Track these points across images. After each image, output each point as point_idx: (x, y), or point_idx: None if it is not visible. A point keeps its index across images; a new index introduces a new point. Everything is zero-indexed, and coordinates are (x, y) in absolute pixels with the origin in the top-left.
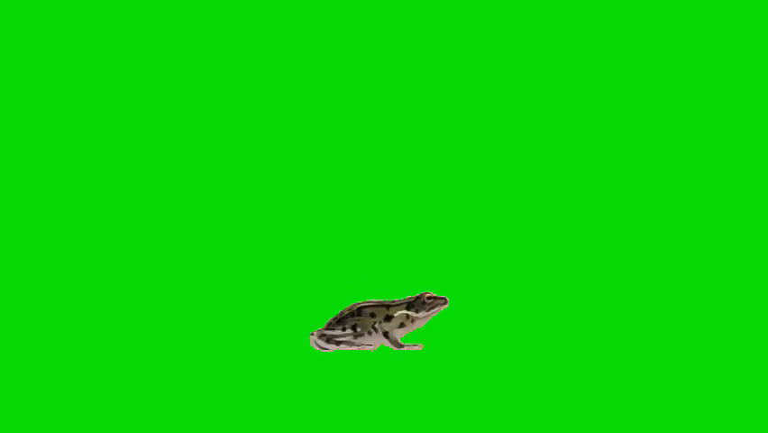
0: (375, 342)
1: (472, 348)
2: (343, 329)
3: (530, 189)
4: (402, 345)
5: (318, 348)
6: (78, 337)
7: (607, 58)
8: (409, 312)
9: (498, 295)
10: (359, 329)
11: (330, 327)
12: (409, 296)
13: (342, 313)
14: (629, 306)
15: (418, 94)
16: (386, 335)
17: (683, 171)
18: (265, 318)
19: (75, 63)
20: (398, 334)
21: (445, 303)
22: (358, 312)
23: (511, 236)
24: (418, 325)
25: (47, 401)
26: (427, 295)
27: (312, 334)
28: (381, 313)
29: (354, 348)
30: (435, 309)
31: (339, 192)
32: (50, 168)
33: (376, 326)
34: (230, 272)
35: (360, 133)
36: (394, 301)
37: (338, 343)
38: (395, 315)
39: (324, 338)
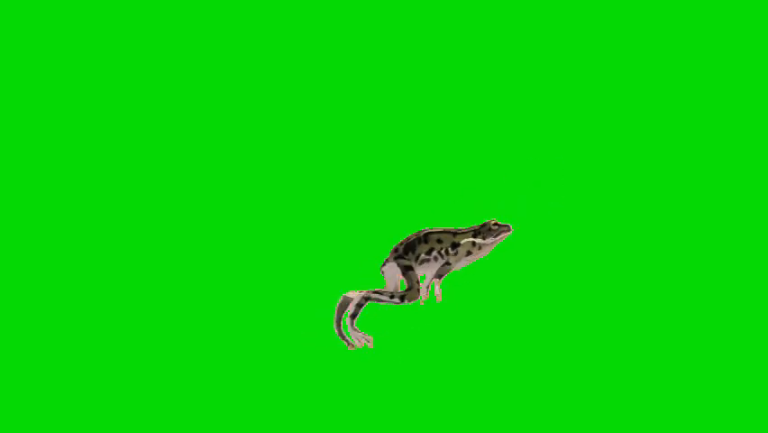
0: (431, 271)
1: (470, 350)
2: (391, 297)
3: (532, 190)
4: (441, 276)
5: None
6: (77, 336)
7: (604, 59)
8: (476, 239)
9: (496, 297)
10: (406, 300)
11: (398, 253)
12: (474, 225)
13: (409, 238)
14: (626, 314)
15: (422, 94)
16: (446, 265)
17: (680, 174)
18: (264, 320)
19: (74, 63)
20: (464, 263)
21: (509, 230)
22: (425, 238)
23: (511, 238)
24: (484, 253)
25: (46, 401)
26: (493, 222)
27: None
28: (448, 240)
29: (356, 342)
30: (502, 235)
31: (340, 193)
32: (49, 168)
33: (441, 251)
34: (229, 273)
35: (366, 134)
36: (460, 229)
37: (371, 299)
38: (461, 242)
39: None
